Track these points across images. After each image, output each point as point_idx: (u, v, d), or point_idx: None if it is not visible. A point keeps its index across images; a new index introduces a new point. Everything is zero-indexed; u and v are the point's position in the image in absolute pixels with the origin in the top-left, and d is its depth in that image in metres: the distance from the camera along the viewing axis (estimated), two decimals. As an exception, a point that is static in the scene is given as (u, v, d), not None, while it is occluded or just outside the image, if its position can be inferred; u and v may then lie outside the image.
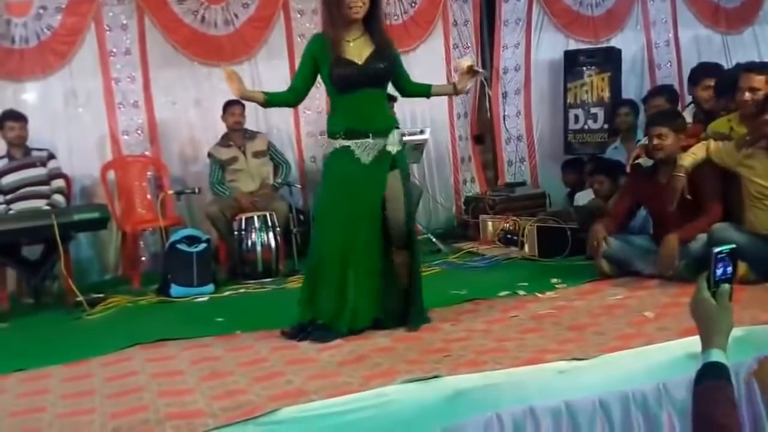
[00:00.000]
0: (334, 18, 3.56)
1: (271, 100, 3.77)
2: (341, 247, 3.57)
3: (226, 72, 3.63)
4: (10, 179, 5.39)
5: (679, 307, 3.49)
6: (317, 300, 3.63)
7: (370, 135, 3.59)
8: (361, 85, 3.57)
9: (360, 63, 3.56)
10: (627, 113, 5.98)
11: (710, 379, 1.59)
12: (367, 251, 3.60)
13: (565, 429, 2.57)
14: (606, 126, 6.79)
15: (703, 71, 5.26)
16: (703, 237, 4.05)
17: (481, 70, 3.89)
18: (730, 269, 1.68)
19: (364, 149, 3.58)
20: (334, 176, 3.67)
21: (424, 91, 3.92)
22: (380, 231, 3.63)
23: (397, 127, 3.77)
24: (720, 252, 1.68)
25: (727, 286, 1.66)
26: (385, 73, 3.65)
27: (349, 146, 3.59)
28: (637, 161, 4.48)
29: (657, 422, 2.64)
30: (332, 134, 3.67)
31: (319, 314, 3.61)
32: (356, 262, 3.58)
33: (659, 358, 2.81)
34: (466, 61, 3.78)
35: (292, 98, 3.83)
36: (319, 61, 3.63)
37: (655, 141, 4.27)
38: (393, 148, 3.64)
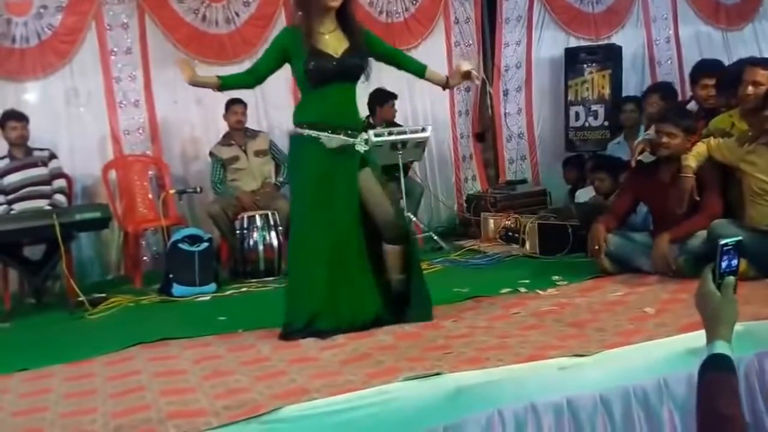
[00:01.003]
0: (311, 6, 3.53)
1: (225, 83, 3.69)
2: (323, 251, 3.55)
3: (177, 62, 3.66)
4: (11, 179, 5.39)
5: (678, 303, 3.50)
6: (306, 302, 3.58)
7: (341, 132, 3.56)
8: (335, 79, 3.55)
9: (337, 56, 3.55)
10: (633, 110, 5.99)
11: (715, 370, 1.60)
12: (350, 252, 3.58)
13: (567, 425, 2.58)
14: (606, 123, 6.80)
15: (701, 70, 5.22)
16: (702, 234, 4.05)
17: (477, 78, 3.87)
18: (735, 262, 1.69)
19: (330, 140, 3.55)
20: (305, 175, 3.62)
21: (420, 70, 3.85)
22: (361, 230, 3.61)
23: (365, 130, 3.75)
24: (726, 244, 1.68)
25: (732, 278, 1.67)
26: (359, 69, 3.63)
27: (314, 137, 3.55)
28: (639, 157, 4.47)
29: (658, 417, 2.64)
30: (300, 123, 3.62)
31: (309, 316, 3.56)
32: (341, 263, 3.56)
33: (659, 354, 2.81)
34: (466, 66, 3.76)
35: (250, 79, 3.76)
36: (292, 54, 3.58)
37: (664, 139, 4.25)
38: (361, 147, 3.63)
